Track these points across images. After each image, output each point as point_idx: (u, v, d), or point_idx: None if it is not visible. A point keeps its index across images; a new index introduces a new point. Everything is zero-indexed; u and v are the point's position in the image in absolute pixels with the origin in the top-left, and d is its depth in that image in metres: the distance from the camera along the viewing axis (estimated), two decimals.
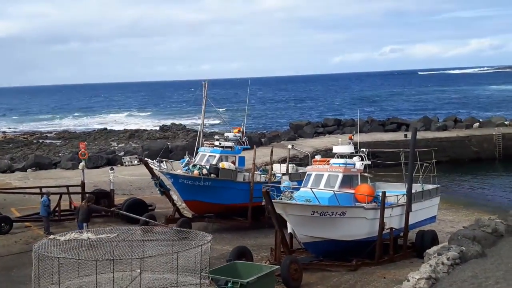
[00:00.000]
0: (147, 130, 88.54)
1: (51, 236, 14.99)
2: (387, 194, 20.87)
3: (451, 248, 15.59)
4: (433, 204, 24.27)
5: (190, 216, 26.63)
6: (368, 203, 20.65)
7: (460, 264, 14.88)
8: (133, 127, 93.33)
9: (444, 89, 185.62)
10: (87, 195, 26.26)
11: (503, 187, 44.17)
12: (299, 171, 28.40)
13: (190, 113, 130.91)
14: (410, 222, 21.68)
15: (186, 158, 27.72)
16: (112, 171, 29.21)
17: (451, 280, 13.66)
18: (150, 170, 25.72)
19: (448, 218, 30.04)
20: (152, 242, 15.32)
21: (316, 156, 25.20)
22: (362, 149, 22.41)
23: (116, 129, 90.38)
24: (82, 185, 28.60)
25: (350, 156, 22.13)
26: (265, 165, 35.52)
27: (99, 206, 25.66)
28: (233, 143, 27.57)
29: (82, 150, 30.51)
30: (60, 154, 59.70)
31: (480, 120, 66.60)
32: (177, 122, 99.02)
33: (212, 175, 25.50)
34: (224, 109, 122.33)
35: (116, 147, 66.04)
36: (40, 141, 77.64)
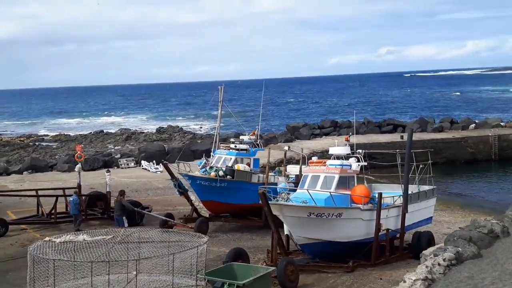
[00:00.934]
0: (143, 132, 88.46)
1: (46, 238, 14.94)
2: (383, 195, 20.89)
3: (447, 249, 15.58)
4: (429, 205, 24.30)
5: (207, 216, 27.59)
6: (364, 205, 20.65)
7: (456, 265, 14.88)
8: (130, 129, 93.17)
9: (441, 91, 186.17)
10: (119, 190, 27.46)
11: (499, 188, 44.31)
12: None
13: (187, 115, 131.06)
14: (407, 223, 21.69)
15: (203, 160, 29.05)
16: (108, 173, 29.30)
17: (447, 281, 13.66)
18: (170, 172, 26.83)
19: (444, 219, 30.09)
20: (148, 244, 15.30)
21: (313, 158, 25.27)
22: (358, 151, 22.43)
23: (112, 132, 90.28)
24: (79, 187, 28.53)
25: (347, 157, 22.14)
26: (278, 166, 35.94)
27: (127, 203, 26.00)
28: (248, 146, 28.78)
29: (79, 152, 30.51)
30: (56, 157, 59.60)
31: (476, 121, 66.72)
32: (173, 124, 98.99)
33: (228, 176, 26.65)
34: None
35: (113, 150, 65.94)
36: (37, 143, 77.47)
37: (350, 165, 21.47)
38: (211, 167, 27.17)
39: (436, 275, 14.29)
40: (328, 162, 21.60)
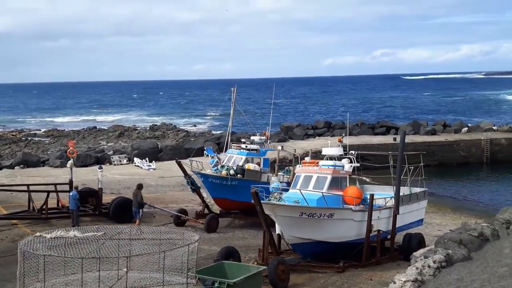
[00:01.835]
0: (137, 129, 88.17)
1: (37, 234, 14.88)
2: (375, 197, 20.97)
3: (437, 251, 15.66)
4: (421, 207, 24.41)
5: (218, 212, 28.64)
6: (356, 205, 20.72)
7: (446, 267, 14.95)
8: (123, 126, 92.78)
9: (434, 94, 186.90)
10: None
11: (490, 191, 44.55)
12: None
13: (181, 113, 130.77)
14: (398, 224, 21.79)
15: (215, 159, 30.06)
16: (100, 170, 29.18)
17: (437, 283, 13.73)
18: (183, 169, 27.86)
19: (435, 221, 30.24)
20: (139, 241, 15.27)
21: (306, 158, 25.37)
22: (351, 152, 22.51)
23: (105, 128, 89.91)
24: (70, 183, 28.39)
25: (339, 158, 22.22)
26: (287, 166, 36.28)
27: (141, 200, 26.04)
28: (258, 146, 29.57)
29: (71, 148, 30.36)
30: (48, 152, 59.34)
31: (469, 125, 67.09)
32: (167, 121, 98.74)
33: (238, 175, 27.73)
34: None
35: (105, 146, 65.70)
36: (29, 138, 77.11)
37: (343, 166, 21.55)
38: (222, 166, 28.30)
39: (426, 277, 14.35)
40: (321, 162, 21.67)
